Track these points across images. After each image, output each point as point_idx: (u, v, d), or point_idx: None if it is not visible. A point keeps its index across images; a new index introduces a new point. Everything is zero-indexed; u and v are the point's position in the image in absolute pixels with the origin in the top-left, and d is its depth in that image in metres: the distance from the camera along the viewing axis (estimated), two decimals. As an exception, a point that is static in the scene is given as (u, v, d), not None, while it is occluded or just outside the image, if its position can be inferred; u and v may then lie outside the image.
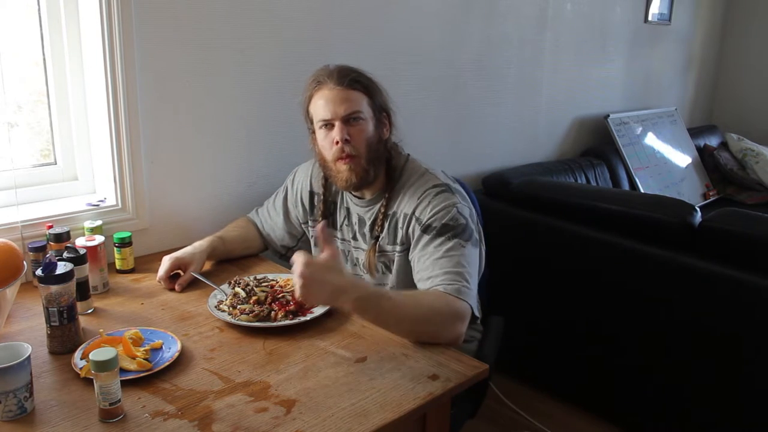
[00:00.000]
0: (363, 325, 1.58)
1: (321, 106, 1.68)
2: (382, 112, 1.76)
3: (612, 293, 2.48)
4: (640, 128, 3.99)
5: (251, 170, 2.26)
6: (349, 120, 1.67)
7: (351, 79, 1.69)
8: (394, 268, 1.78)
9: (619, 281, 2.45)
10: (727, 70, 4.99)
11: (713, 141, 4.60)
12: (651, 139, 4.03)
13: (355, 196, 1.84)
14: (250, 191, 2.26)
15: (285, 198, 2.01)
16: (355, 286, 1.42)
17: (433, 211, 1.67)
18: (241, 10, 2.10)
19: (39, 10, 1.89)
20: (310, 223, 1.95)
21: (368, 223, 1.82)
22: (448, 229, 1.64)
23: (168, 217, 2.09)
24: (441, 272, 1.59)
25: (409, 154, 1.85)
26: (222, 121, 2.14)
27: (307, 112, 1.76)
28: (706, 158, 4.40)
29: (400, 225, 1.74)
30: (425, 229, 1.67)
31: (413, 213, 1.71)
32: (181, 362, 1.41)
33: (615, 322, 2.49)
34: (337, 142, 1.67)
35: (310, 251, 1.99)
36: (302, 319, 1.59)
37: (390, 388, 1.33)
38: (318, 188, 1.92)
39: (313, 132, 1.77)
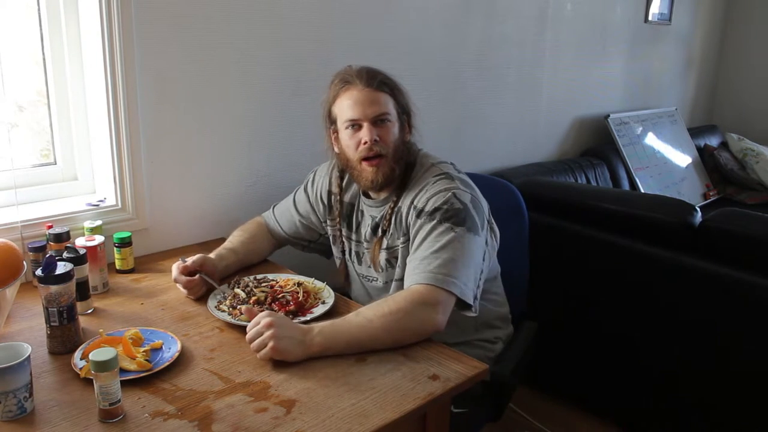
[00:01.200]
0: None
1: (348, 107, 1.68)
2: (404, 115, 1.76)
3: (611, 293, 2.48)
4: (641, 128, 3.99)
5: (251, 170, 2.26)
6: (377, 121, 1.68)
7: (379, 81, 1.69)
8: (399, 261, 1.76)
9: (619, 281, 2.45)
10: (727, 70, 5.00)
11: (713, 141, 4.60)
12: (651, 139, 4.04)
13: (369, 198, 1.83)
14: (251, 191, 2.26)
15: (307, 197, 1.98)
16: (312, 325, 1.45)
17: (427, 196, 1.68)
18: (242, 10, 2.10)
19: (39, 10, 1.89)
20: (328, 222, 1.94)
21: (380, 221, 1.80)
22: (439, 212, 1.63)
23: (168, 217, 2.09)
24: (420, 257, 1.59)
25: (421, 149, 1.84)
26: (222, 121, 2.14)
27: (330, 112, 1.76)
28: (706, 158, 4.40)
29: (403, 217, 1.73)
30: (418, 214, 1.67)
31: (412, 202, 1.71)
32: (181, 362, 1.41)
33: (614, 322, 2.49)
34: (366, 143, 1.67)
35: (329, 248, 1.99)
36: (302, 319, 1.59)
37: (390, 388, 1.33)
38: (335, 189, 1.91)
39: (334, 132, 1.77)
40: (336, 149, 1.79)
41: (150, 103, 1.96)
